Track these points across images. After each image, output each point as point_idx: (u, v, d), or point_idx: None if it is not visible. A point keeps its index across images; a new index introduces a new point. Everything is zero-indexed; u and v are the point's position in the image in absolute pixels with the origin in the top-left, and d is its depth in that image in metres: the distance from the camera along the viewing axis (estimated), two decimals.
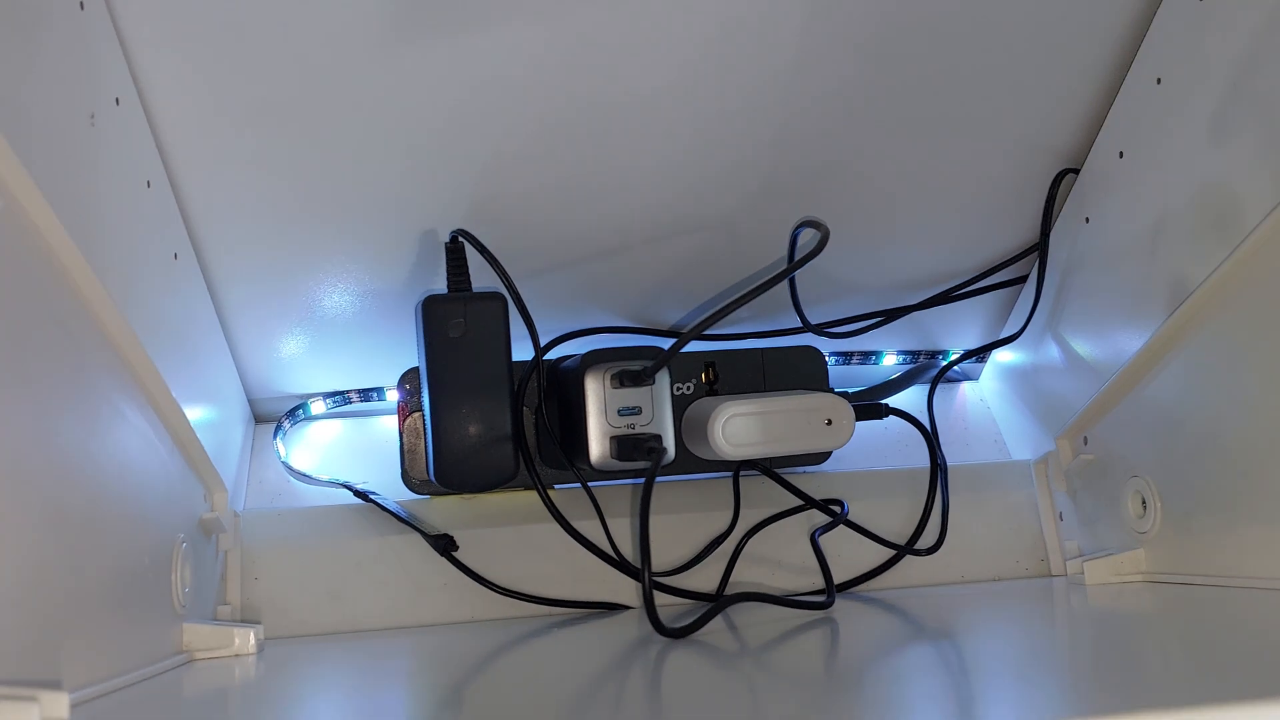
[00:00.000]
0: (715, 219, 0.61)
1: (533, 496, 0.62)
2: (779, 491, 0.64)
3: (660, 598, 0.60)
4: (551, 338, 0.63)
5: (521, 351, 0.60)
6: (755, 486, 0.65)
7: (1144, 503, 0.57)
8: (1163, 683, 0.38)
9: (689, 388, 0.63)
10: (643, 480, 0.59)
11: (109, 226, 0.44)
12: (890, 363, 0.74)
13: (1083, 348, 0.61)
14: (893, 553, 0.64)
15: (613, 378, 0.58)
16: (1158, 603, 0.53)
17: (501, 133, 0.54)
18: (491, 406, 0.58)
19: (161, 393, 0.49)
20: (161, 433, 0.51)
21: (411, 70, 0.50)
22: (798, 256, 0.58)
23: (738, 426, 0.57)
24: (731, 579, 0.63)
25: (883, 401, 0.64)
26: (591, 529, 0.60)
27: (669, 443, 0.58)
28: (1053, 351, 0.64)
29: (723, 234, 0.62)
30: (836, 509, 0.64)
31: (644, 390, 0.58)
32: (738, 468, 0.65)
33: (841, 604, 0.59)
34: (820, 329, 0.66)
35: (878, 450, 0.71)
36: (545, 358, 0.62)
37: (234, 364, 0.65)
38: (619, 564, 0.60)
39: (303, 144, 0.53)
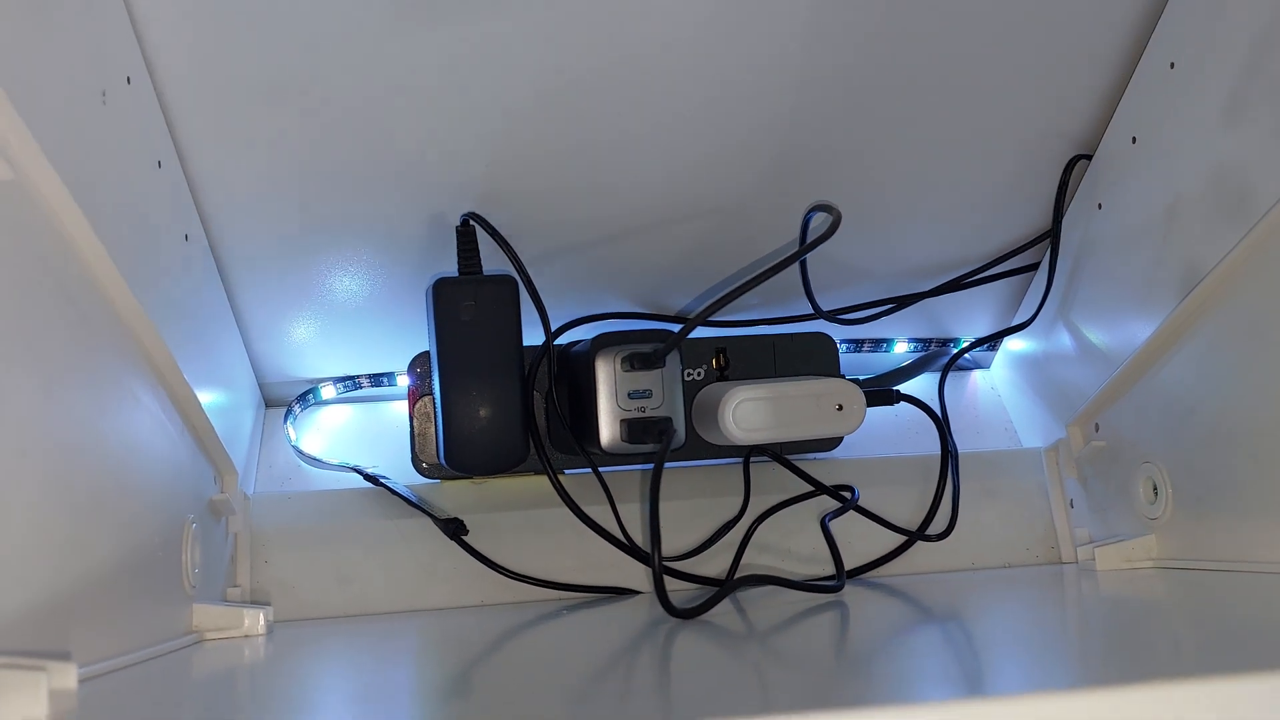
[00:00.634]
0: (726, 204, 0.61)
1: (543, 481, 0.62)
2: (789, 477, 0.64)
3: (669, 583, 0.60)
4: (561, 322, 0.63)
5: (530, 337, 0.60)
6: (765, 472, 0.65)
7: (1155, 489, 0.57)
8: (1172, 658, 0.38)
9: (699, 374, 0.63)
10: (652, 466, 0.59)
11: (121, 205, 0.44)
12: (901, 350, 0.73)
13: (1094, 334, 0.61)
14: (903, 539, 0.64)
15: (623, 361, 0.58)
16: (1169, 588, 0.53)
17: (513, 116, 0.54)
18: (502, 389, 0.58)
19: (173, 374, 0.49)
20: (172, 414, 0.51)
21: (423, 50, 0.50)
22: (809, 240, 0.58)
23: (749, 411, 0.57)
24: (741, 564, 0.63)
25: (894, 388, 0.63)
26: (601, 514, 0.60)
27: (679, 426, 0.58)
28: (1064, 338, 0.64)
29: (734, 219, 0.62)
30: (847, 495, 0.63)
31: (654, 373, 0.58)
32: (748, 453, 0.64)
33: (851, 588, 0.58)
34: (831, 315, 0.65)
35: (888, 437, 0.71)
36: (554, 343, 0.62)
37: (244, 347, 0.65)
38: (629, 548, 0.60)
39: (313, 125, 0.53)
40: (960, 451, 0.66)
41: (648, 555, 0.60)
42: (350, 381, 0.70)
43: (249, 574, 0.60)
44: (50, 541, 0.36)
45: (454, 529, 0.60)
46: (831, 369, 0.65)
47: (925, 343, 0.73)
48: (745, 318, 0.67)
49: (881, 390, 0.63)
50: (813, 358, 0.65)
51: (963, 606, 0.54)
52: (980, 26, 0.54)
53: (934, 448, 0.65)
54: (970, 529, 0.65)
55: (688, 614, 0.50)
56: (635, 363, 0.58)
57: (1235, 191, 0.48)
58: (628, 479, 0.64)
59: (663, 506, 0.52)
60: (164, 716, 0.36)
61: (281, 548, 0.61)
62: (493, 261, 0.59)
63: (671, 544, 0.62)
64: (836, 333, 0.67)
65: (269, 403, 0.71)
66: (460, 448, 0.58)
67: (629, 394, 0.58)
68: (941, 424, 0.64)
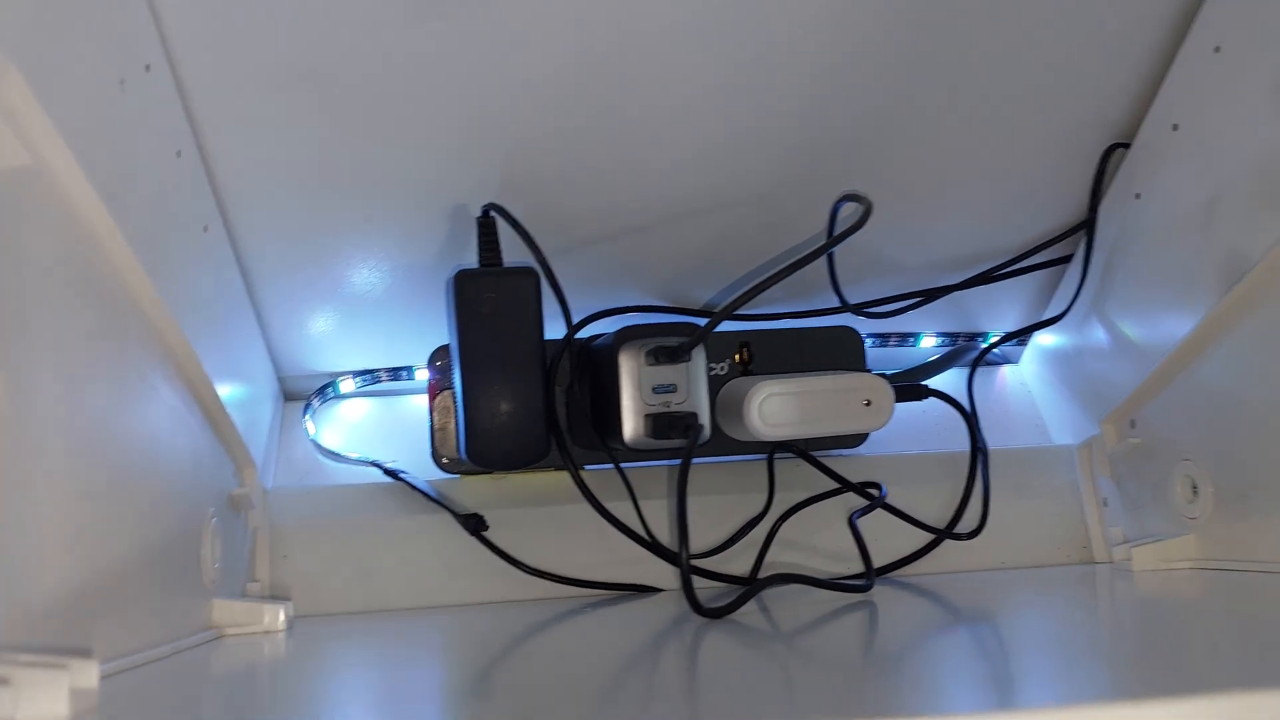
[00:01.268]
0: (751, 194, 0.60)
1: (564, 477, 0.61)
2: (814, 475, 0.63)
3: (694, 581, 0.59)
4: (582, 316, 0.62)
5: (551, 330, 0.59)
6: (790, 469, 0.64)
7: (1194, 488, 0.55)
8: (1211, 667, 0.36)
9: (723, 368, 0.62)
10: (677, 462, 0.58)
11: (140, 195, 0.43)
12: (929, 345, 0.72)
13: (1131, 329, 0.59)
14: (931, 538, 0.63)
15: (648, 354, 0.57)
16: (1208, 589, 0.51)
17: (535, 106, 0.53)
18: (523, 383, 0.58)
19: (193, 366, 0.48)
20: (193, 407, 0.50)
21: (444, 37, 0.49)
22: (838, 231, 0.57)
23: (775, 406, 0.56)
24: (766, 562, 0.62)
25: (922, 383, 0.62)
26: (623, 510, 0.59)
27: (705, 421, 0.57)
28: (1098, 333, 0.62)
29: (758, 209, 0.61)
30: (874, 492, 0.62)
31: (679, 368, 0.57)
32: (772, 450, 0.63)
33: (879, 588, 0.57)
34: (858, 309, 0.64)
35: (915, 434, 0.70)
36: (575, 337, 0.61)
37: (263, 340, 0.65)
38: (651, 545, 0.59)
39: (334, 116, 0.52)
40: (990, 448, 0.65)
41: (670, 552, 0.59)
42: (369, 375, 0.69)
43: (268, 569, 0.60)
44: (72, 536, 0.36)
45: (474, 525, 0.60)
46: (857, 364, 0.64)
47: (953, 337, 0.72)
48: (769, 311, 0.66)
49: (910, 385, 0.62)
50: (838, 352, 0.64)
51: (995, 608, 0.53)
52: (1017, 11, 0.53)
53: (962, 444, 0.64)
54: (1000, 527, 0.64)
55: (716, 613, 0.49)
56: (660, 356, 0.57)
57: None
58: (649, 475, 0.63)
59: (687, 503, 0.51)
60: (185, 714, 0.36)
61: (301, 542, 0.61)
62: (513, 253, 0.58)
63: (695, 541, 0.61)
64: (862, 327, 0.66)
65: (288, 396, 0.70)
66: (481, 442, 0.57)
67: (653, 388, 0.57)
68: (971, 420, 0.63)
